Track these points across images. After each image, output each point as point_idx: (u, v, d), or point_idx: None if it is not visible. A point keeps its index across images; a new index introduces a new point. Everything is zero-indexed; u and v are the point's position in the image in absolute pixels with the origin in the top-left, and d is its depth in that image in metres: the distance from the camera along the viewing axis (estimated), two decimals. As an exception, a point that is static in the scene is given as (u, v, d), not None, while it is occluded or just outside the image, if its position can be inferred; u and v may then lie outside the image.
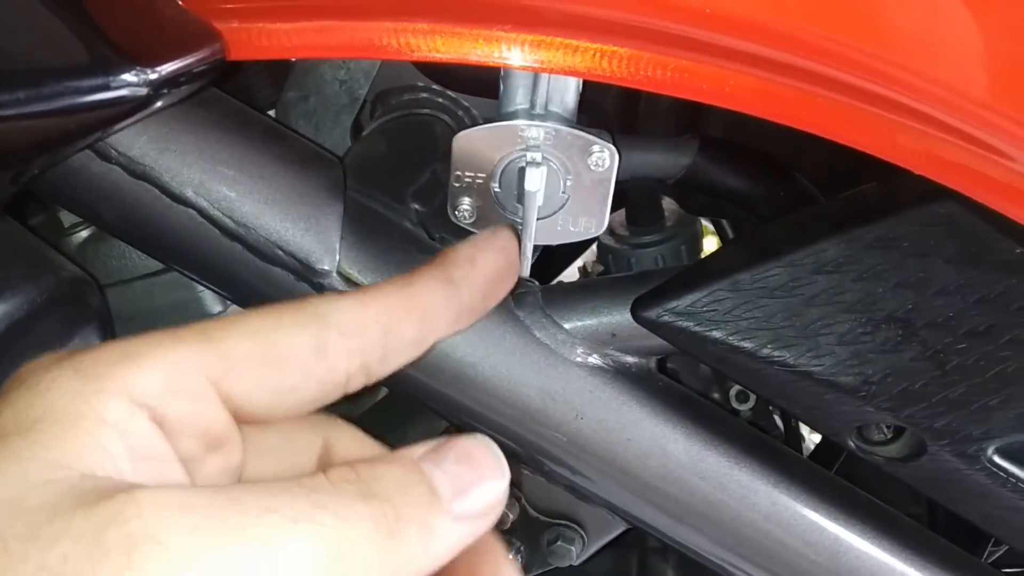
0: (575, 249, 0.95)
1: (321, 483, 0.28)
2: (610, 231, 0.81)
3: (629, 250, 0.78)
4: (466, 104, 0.68)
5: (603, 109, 0.56)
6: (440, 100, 0.64)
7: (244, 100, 0.55)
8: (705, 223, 0.87)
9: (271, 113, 0.72)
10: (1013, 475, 0.50)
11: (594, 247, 0.89)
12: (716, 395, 0.83)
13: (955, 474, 0.51)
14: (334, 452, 0.35)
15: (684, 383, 0.78)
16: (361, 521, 0.27)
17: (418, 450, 0.30)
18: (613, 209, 0.83)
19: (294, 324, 0.31)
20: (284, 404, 0.32)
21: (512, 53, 0.41)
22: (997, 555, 0.77)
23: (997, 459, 0.50)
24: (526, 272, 0.51)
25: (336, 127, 0.69)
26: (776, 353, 0.49)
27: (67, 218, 0.66)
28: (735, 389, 0.81)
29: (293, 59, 0.65)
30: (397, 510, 0.28)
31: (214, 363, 0.30)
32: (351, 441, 0.36)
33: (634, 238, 0.79)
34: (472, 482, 0.30)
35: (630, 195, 0.77)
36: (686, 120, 0.56)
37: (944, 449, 0.50)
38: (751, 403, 0.81)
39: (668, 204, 0.81)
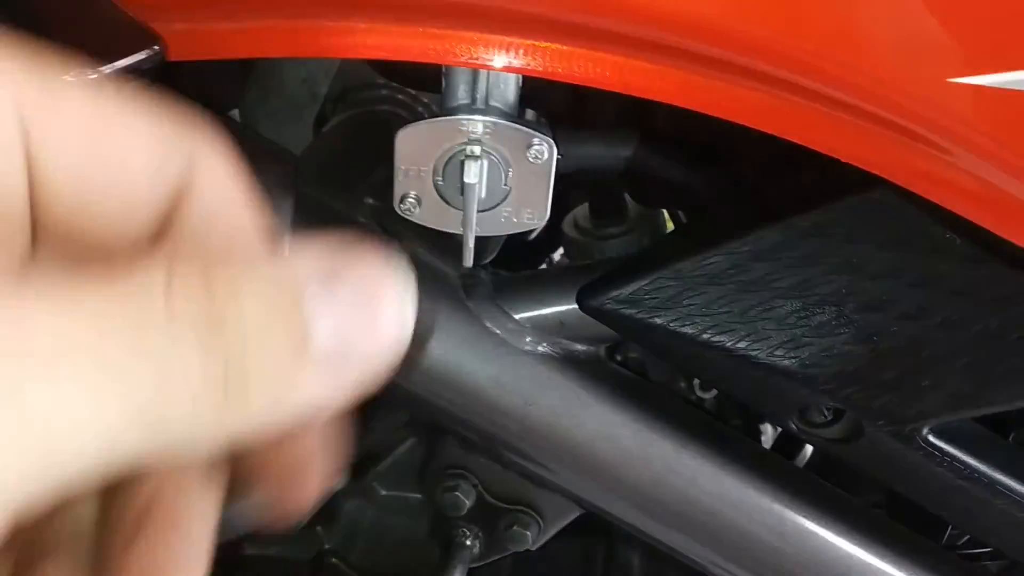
0: (544, 246, 0.97)
1: (152, 304, 0.19)
2: (574, 225, 0.82)
3: (592, 242, 0.79)
4: (426, 100, 0.69)
5: (551, 103, 0.57)
6: (398, 97, 0.66)
7: (208, 103, 0.57)
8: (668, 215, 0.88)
9: (234, 113, 0.73)
10: (949, 454, 0.52)
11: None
12: (681, 384, 0.84)
13: (893, 454, 0.52)
14: (189, 196, 0.25)
15: (649, 372, 0.79)
16: (189, 372, 0.19)
17: (306, 262, 0.21)
18: (578, 203, 0.85)
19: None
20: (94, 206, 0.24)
21: (448, 50, 0.42)
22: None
23: (932, 439, 0.51)
24: (469, 263, 0.53)
25: (299, 125, 0.70)
26: (716, 338, 0.51)
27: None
28: (698, 379, 0.82)
29: (249, 59, 0.66)
30: (245, 362, 0.20)
31: (33, 92, 0.22)
32: (215, 179, 0.26)
33: (597, 231, 0.80)
34: (363, 334, 0.21)
35: (592, 188, 0.79)
36: (633, 113, 0.58)
37: (881, 430, 0.51)
38: (715, 391, 0.83)
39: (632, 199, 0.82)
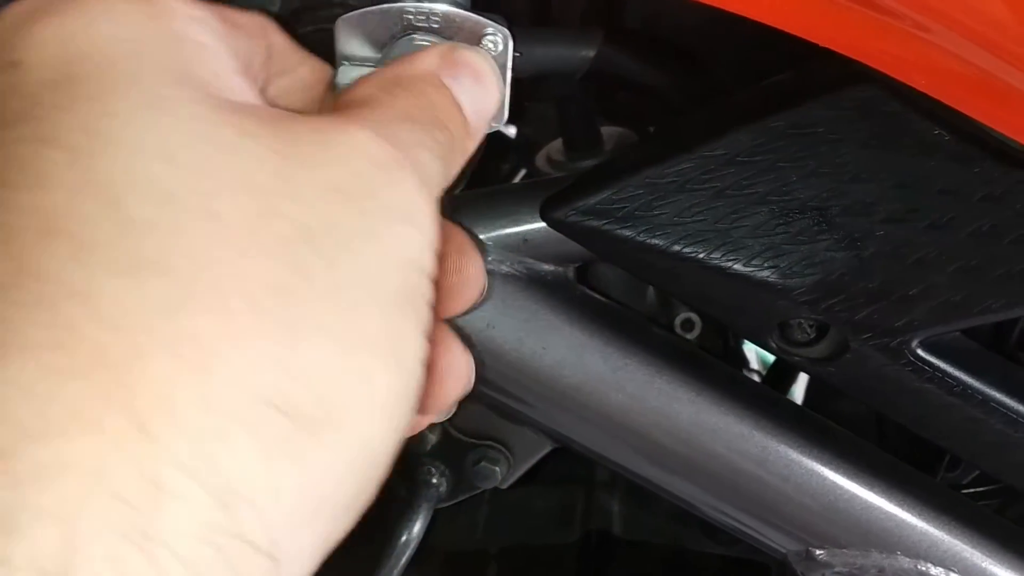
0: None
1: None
2: (547, 158, 0.78)
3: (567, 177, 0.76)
4: None
5: (514, 7, 0.53)
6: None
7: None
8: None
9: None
10: (940, 369, 0.48)
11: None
12: (662, 322, 0.81)
13: (881, 371, 0.49)
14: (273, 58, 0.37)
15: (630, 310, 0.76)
16: (442, 138, 0.32)
17: (432, 61, 0.35)
18: (552, 137, 0.81)
19: None
20: None
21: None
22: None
23: (922, 353, 0.48)
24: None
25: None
26: (688, 249, 0.47)
27: None
28: (680, 317, 0.79)
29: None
30: (451, 129, 0.33)
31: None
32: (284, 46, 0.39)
33: (572, 163, 0.77)
34: (483, 101, 0.36)
35: (565, 119, 0.75)
36: (600, 14, 0.54)
37: (867, 344, 0.48)
38: (697, 331, 0.79)
39: (607, 130, 0.79)
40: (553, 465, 0.65)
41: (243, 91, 0.30)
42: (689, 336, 0.79)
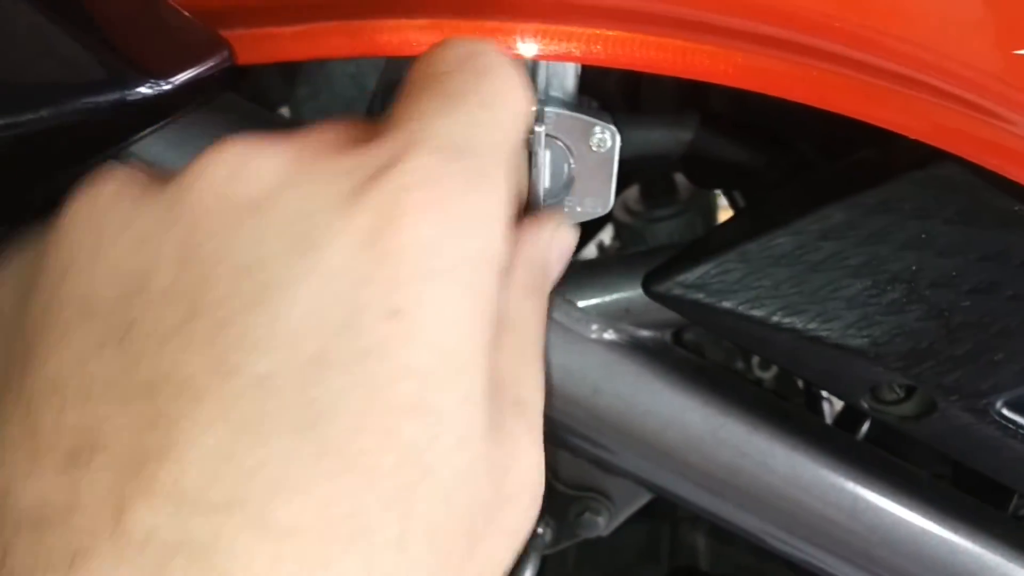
0: (592, 228, 0.97)
1: None
2: (625, 207, 0.82)
3: (644, 225, 0.80)
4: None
5: (606, 91, 0.57)
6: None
7: (259, 100, 0.57)
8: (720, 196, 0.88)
9: (284, 110, 0.74)
10: (1022, 427, 0.51)
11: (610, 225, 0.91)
12: (740, 363, 0.84)
13: (966, 429, 0.52)
14: None
15: (706, 354, 0.79)
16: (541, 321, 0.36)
17: (550, 238, 0.39)
18: (627, 186, 0.85)
19: None
20: None
21: (507, 44, 0.42)
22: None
23: (1006, 412, 0.51)
24: None
25: (349, 121, 0.71)
26: (786, 320, 0.50)
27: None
28: (758, 357, 0.82)
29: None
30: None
31: None
32: None
33: (648, 213, 0.80)
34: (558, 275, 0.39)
35: (643, 171, 0.78)
36: (689, 98, 0.58)
37: (954, 405, 0.51)
38: (774, 370, 0.83)
39: (681, 179, 0.82)
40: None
41: None
42: (767, 375, 0.83)
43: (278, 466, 0.25)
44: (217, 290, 0.27)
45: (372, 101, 0.72)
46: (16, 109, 0.34)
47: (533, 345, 0.36)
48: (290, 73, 0.72)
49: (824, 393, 1.01)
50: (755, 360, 0.81)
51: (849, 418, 0.84)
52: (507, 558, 0.31)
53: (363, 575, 0.25)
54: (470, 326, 0.29)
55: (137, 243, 0.29)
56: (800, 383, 0.87)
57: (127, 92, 0.36)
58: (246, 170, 0.30)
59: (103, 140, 0.38)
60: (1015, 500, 0.75)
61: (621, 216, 0.82)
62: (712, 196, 0.81)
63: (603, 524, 0.63)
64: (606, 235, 1.01)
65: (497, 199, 0.31)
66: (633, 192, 0.82)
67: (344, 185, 0.29)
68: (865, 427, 0.85)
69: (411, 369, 0.27)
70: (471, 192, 0.30)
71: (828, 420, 0.85)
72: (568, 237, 0.40)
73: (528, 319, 0.36)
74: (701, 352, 0.77)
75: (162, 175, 0.31)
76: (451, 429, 0.27)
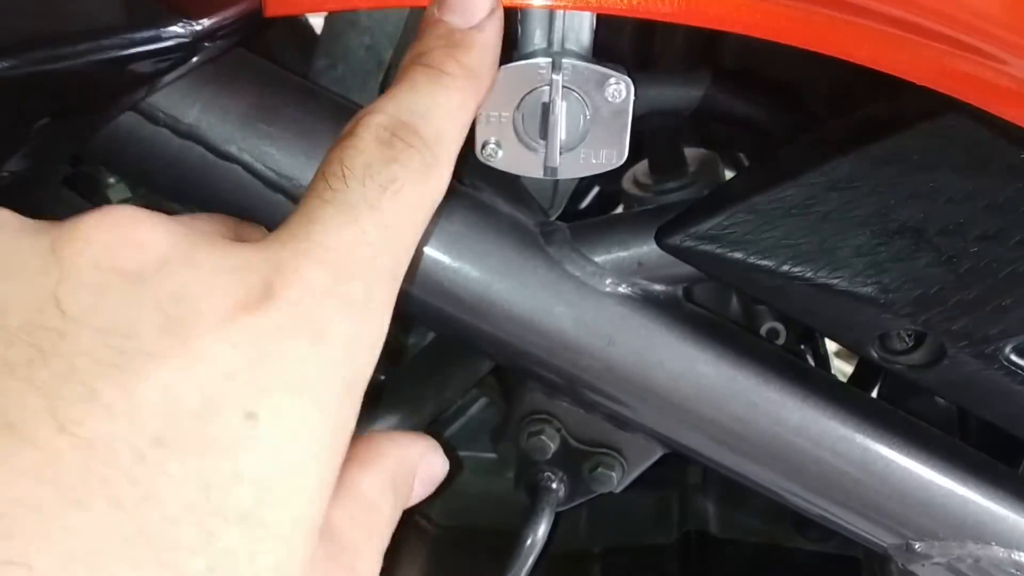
0: (606, 205, 0.98)
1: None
2: (634, 180, 0.83)
3: (653, 197, 0.81)
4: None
5: (620, 49, 0.58)
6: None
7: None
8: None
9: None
10: (1031, 373, 0.52)
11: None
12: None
13: (975, 375, 0.53)
14: None
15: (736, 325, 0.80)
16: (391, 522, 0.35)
17: (420, 453, 0.38)
18: (635, 160, 0.86)
19: None
20: None
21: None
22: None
23: (1014, 357, 0.52)
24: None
25: (364, 92, 0.72)
26: (796, 269, 0.51)
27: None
28: (765, 327, 0.83)
29: (322, 22, 0.68)
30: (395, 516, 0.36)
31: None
32: None
33: (657, 185, 0.81)
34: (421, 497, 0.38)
35: (651, 143, 0.80)
36: (699, 54, 0.59)
37: (963, 351, 0.52)
38: (781, 340, 0.83)
39: (690, 152, 0.83)
40: (648, 470, 0.69)
41: None
42: (776, 343, 0.83)
43: (86, 537, 0.24)
44: (75, 344, 0.26)
45: (387, 73, 0.73)
46: (62, 44, 0.36)
47: (378, 529, 0.35)
48: (307, 47, 0.73)
49: (834, 364, 1.02)
50: (763, 330, 0.82)
51: (860, 384, 0.85)
52: None
53: None
54: (321, 449, 0.29)
55: (7, 273, 0.28)
56: (809, 355, 0.88)
57: (160, 30, 0.37)
58: (132, 238, 0.29)
59: (136, 79, 0.39)
60: None
61: (631, 190, 0.83)
62: (720, 167, 0.82)
63: (616, 480, 0.64)
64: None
65: (375, 329, 0.32)
66: (642, 166, 0.83)
67: (228, 283, 0.29)
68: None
69: (252, 477, 0.26)
70: (349, 323, 0.30)
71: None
72: (439, 464, 0.39)
73: (384, 513, 0.35)
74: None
75: (49, 224, 0.30)
76: (274, 549, 0.27)
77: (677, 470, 0.88)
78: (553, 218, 0.63)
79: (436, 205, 0.36)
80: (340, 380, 0.30)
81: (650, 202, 0.81)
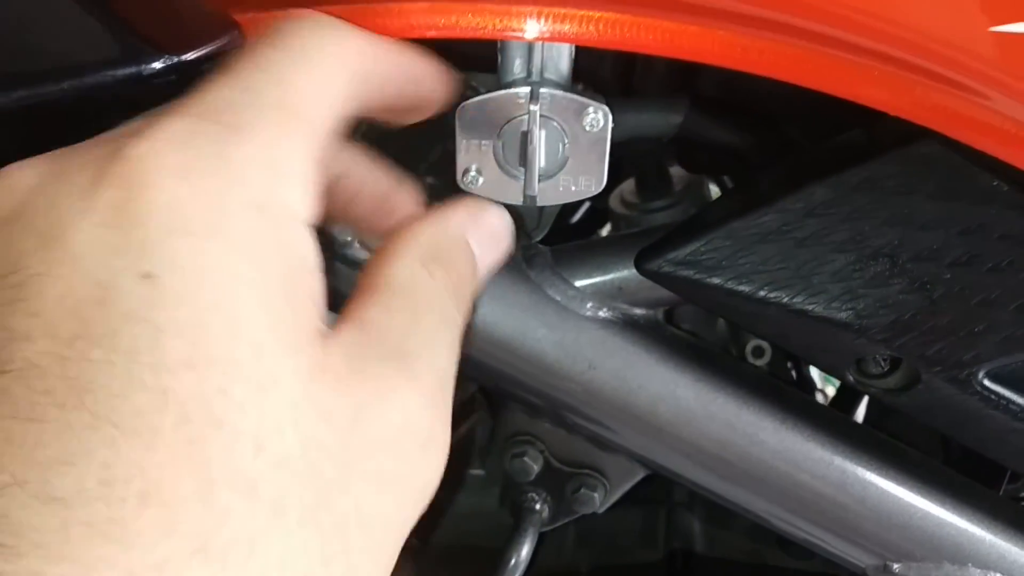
0: (594, 222, 0.99)
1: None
2: (621, 200, 0.84)
3: (640, 216, 0.81)
4: (473, 84, 0.71)
5: (600, 77, 0.59)
6: (449, 80, 0.68)
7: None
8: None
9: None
10: (1004, 397, 0.53)
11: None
12: (733, 351, 0.86)
13: (950, 400, 0.53)
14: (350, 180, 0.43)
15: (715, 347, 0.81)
16: (443, 292, 0.35)
17: (462, 220, 0.39)
18: (623, 179, 0.87)
19: None
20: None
21: (505, 26, 0.44)
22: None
23: (988, 383, 0.53)
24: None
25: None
26: (772, 294, 0.52)
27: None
28: (751, 345, 0.84)
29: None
30: (462, 282, 0.37)
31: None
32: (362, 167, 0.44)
33: (644, 204, 0.82)
34: (494, 258, 0.40)
35: (638, 163, 0.80)
36: (679, 82, 0.59)
37: (937, 376, 0.53)
38: (767, 358, 0.84)
39: (676, 171, 0.84)
40: (634, 487, 0.70)
41: (321, 310, 0.31)
42: (760, 362, 0.84)
43: (52, 443, 0.24)
44: None
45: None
46: (43, 80, 0.36)
47: (430, 313, 0.34)
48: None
49: (819, 386, 1.03)
50: (748, 348, 0.83)
51: (842, 406, 0.86)
52: (389, 509, 0.30)
53: (163, 533, 0.24)
54: (238, 277, 0.28)
55: None
56: (792, 374, 0.89)
57: (142, 67, 0.38)
58: (1, 186, 0.30)
59: (120, 117, 0.40)
60: (1005, 482, 0.76)
61: (618, 209, 0.84)
62: (706, 187, 0.83)
63: (599, 501, 0.64)
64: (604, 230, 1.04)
65: (265, 148, 0.30)
66: (629, 185, 0.84)
67: (90, 170, 0.29)
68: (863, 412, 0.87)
69: (175, 327, 0.26)
70: (230, 146, 0.29)
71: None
72: (493, 218, 0.40)
73: (424, 286, 0.35)
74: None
75: None
76: (246, 377, 0.27)
77: (664, 488, 0.89)
78: (538, 240, 0.64)
79: None
80: (235, 206, 0.29)
81: (636, 221, 0.82)
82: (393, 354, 0.32)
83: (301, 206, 0.31)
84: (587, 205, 1.07)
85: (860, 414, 0.94)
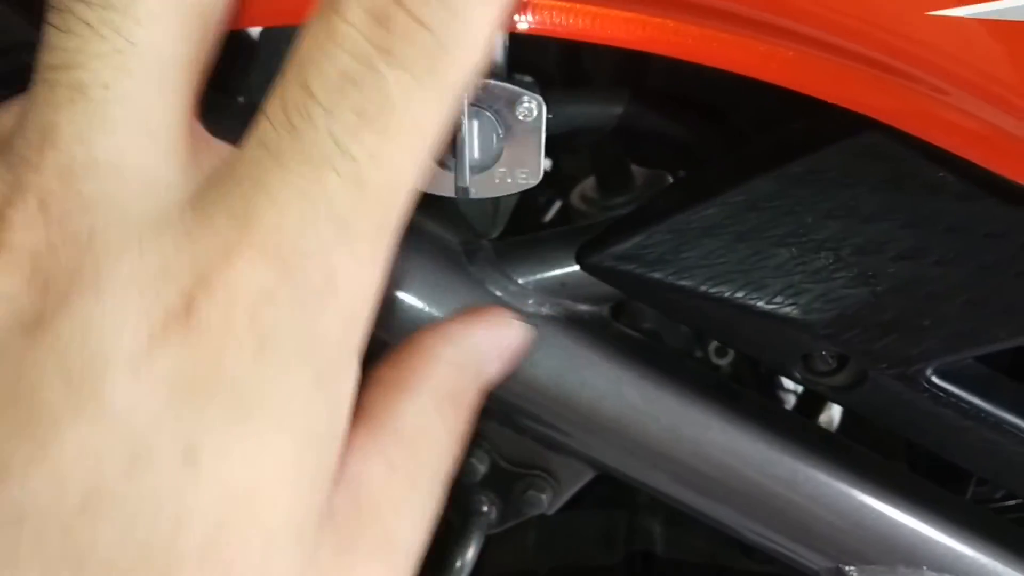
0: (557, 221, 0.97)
1: None
2: (582, 196, 0.83)
3: (600, 213, 0.80)
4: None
5: (546, 71, 0.58)
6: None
7: (217, 89, 0.58)
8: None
9: (240, 99, 0.74)
10: (954, 395, 0.52)
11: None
12: (698, 352, 0.84)
13: (899, 397, 0.52)
14: None
15: (665, 342, 0.80)
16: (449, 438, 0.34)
17: (487, 347, 0.39)
18: (584, 176, 0.85)
19: None
20: None
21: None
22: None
23: (936, 379, 0.51)
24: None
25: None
26: (715, 289, 0.51)
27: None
28: (714, 344, 0.83)
29: (255, 46, 0.67)
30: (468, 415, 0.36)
31: None
32: None
33: (604, 201, 0.81)
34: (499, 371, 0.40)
35: (597, 160, 0.79)
36: (625, 73, 0.58)
37: (884, 373, 0.51)
38: (730, 356, 0.83)
39: (637, 169, 0.83)
40: (597, 490, 0.68)
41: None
42: (723, 361, 0.83)
43: None
44: None
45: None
46: None
47: (427, 467, 0.32)
48: (245, 64, 0.73)
49: (790, 385, 1.02)
50: (712, 347, 0.82)
51: (810, 406, 0.85)
52: None
53: None
54: (278, 460, 0.26)
55: None
56: (756, 373, 0.87)
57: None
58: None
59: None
60: (971, 486, 0.75)
61: (579, 205, 0.82)
62: (667, 181, 0.82)
63: (547, 502, 0.63)
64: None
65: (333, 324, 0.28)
66: (590, 182, 0.82)
67: (140, 309, 0.24)
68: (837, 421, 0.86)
69: (198, 517, 0.24)
70: (302, 318, 0.27)
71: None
72: (513, 334, 0.39)
73: (431, 435, 0.33)
74: (659, 338, 0.78)
75: None
76: (244, 572, 0.25)
77: (626, 490, 0.87)
78: (494, 236, 0.63)
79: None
80: (296, 384, 0.26)
81: (596, 218, 0.81)
82: (381, 544, 0.30)
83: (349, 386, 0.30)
84: (559, 204, 1.06)
85: (836, 418, 0.93)
